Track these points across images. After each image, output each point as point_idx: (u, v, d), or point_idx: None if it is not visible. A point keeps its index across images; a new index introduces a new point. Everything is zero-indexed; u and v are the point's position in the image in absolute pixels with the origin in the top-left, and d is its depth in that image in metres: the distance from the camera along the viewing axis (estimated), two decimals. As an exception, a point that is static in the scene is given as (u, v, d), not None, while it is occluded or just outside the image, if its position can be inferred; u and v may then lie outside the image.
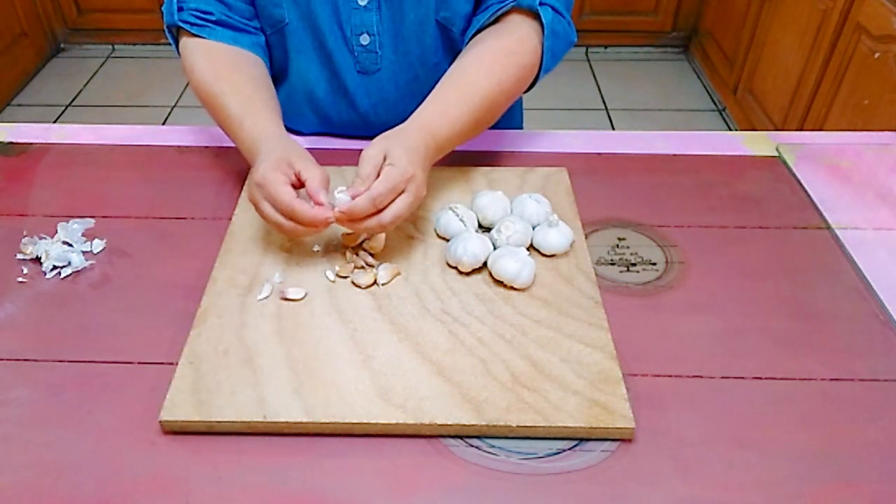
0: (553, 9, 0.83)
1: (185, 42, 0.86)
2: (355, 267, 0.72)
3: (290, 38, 0.89)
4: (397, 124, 0.75)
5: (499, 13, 0.82)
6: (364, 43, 0.87)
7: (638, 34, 2.90)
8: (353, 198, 0.67)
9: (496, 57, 0.80)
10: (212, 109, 0.82)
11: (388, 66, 0.89)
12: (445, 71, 0.81)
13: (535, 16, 0.83)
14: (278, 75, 0.96)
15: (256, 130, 0.76)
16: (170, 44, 0.89)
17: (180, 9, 0.84)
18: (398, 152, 0.69)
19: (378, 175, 0.68)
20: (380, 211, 0.67)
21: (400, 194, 0.68)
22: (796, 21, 2.01)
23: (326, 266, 0.72)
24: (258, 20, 0.89)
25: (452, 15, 0.86)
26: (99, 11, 2.86)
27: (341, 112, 0.94)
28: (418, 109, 0.76)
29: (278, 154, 0.71)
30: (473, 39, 0.84)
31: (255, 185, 0.69)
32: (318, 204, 0.67)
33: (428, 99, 0.77)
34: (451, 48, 0.89)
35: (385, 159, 0.69)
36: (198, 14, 0.84)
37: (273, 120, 0.78)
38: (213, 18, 0.84)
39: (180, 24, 0.84)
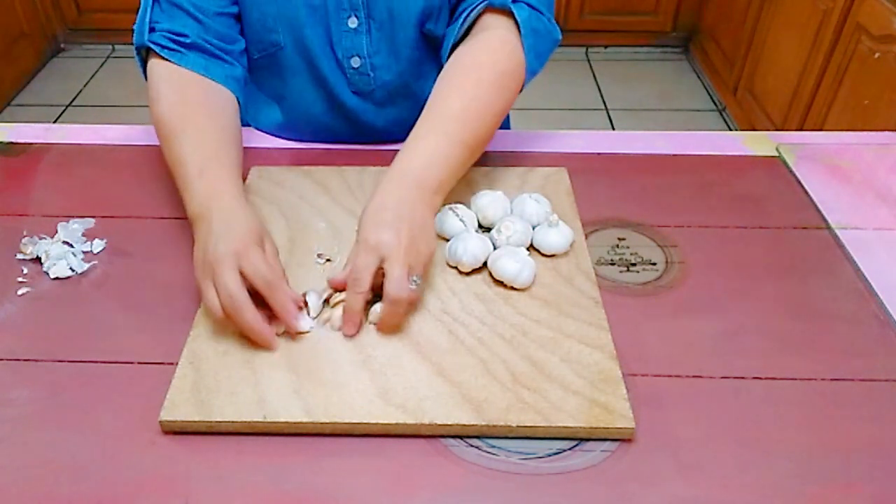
0: (529, 6, 0.79)
1: (154, 65, 0.79)
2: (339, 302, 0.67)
3: (284, 61, 0.87)
4: (400, 133, 0.75)
5: (472, 16, 0.80)
6: (355, 66, 0.86)
7: (638, 34, 2.90)
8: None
9: (467, 74, 0.77)
10: (169, 147, 0.74)
11: (381, 87, 0.89)
12: (435, 76, 0.78)
13: (510, 14, 0.79)
14: (274, 96, 0.94)
15: (218, 185, 0.69)
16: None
17: (152, 29, 0.78)
18: (361, 232, 0.65)
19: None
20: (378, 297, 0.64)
21: (380, 265, 0.63)
22: (796, 21, 2.01)
23: (326, 267, 0.72)
24: (238, 43, 0.84)
25: (436, 26, 0.85)
26: (99, 11, 2.87)
27: (341, 128, 0.93)
28: (398, 157, 0.71)
29: (254, 226, 0.66)
30: (450, 57, 0.80)
31: (232, 253, 0.62)
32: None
33: (406, 143, 0.72)
34: (438, 54, 0.88)
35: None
36: (171, 36, 0.78)
37: (236, 181, 0.71)
38: (188, 41, 0.78)
39: (150, 45, 0.78)
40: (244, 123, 1.00)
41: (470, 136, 0.74)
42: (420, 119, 0.74)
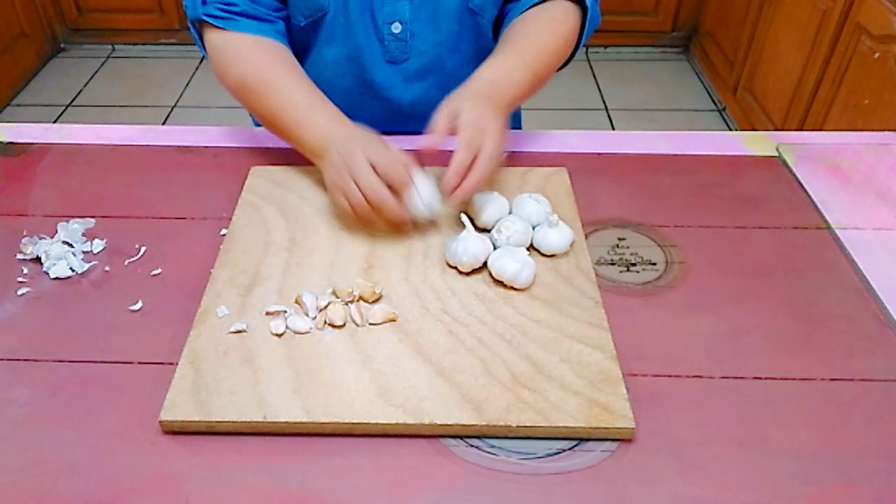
0: None
1: (213, 36, 0.85)
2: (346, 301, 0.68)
3: (325, 29, 0.89)
4: (424, 113, 0.76)
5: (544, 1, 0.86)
6: (395, 31, 0.88)
7: (638, 34, 2.90)
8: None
9: (543, 23, 0.86)
10: (266, 99, 0.82)
11: (416, 56, 0.91)
12: (469, 56, 0.90)
13: (578, 3, 0.89)
14: (309, 68, 0.94)
15: (331, 119, 0.79)
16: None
17: (204, 2, 0.84)
18: (465, 103, 0.74)
19: (451, 130, 0.73)
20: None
21: (485, 133, 0.72)
22: (796, 21, 2.01)
23: (328, 267, 0.72)
24: (281, 11, 0.88)
25: (484, 2, 0.88)
26: (99, 11, 2.86)
27: (366, 104, 0.93)
28: (477, 72, 0.81)
29: (371, 132, 0.76)
30: (520, 16, 0.87)
31: (361, 152, 0.72)
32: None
33: (484, 64, 0.82)
34: (477, 34, 0.92)
35: (456, 116, 0.74)
36: (222, 6, 0.84)
37: (340, 113, 0.81)
38: (238, 10, 0.84)
39: (204, 17, 0.84)
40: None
41: (539, 68, 0.84)
42: (496, 49, 0.84)
